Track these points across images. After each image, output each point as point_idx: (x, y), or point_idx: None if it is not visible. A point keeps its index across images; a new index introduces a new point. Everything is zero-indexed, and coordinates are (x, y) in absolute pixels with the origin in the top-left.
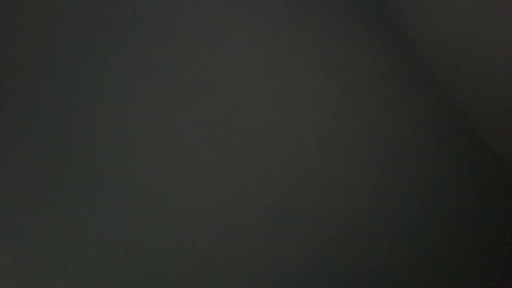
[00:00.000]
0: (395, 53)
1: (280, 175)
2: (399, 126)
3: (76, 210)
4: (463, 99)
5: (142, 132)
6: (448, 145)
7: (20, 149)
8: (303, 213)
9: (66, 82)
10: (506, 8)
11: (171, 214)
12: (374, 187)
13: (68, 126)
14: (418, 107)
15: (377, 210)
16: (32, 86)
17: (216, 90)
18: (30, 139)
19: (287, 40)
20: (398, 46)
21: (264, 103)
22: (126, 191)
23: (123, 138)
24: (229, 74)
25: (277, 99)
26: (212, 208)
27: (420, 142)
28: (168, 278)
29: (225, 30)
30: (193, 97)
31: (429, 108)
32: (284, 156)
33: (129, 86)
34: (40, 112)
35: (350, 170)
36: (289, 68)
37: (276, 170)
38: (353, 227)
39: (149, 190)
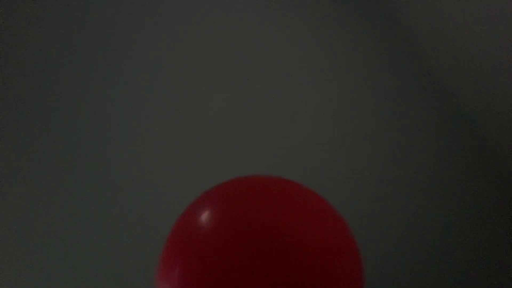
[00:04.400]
0: (399, 56)
1: (284, 175)
2: (402, 127)
3: (74, 212)
4: (467, 102)
5: (146, 135)
6: (449, 145)
7: (20, 149)
8: None
9: (65, 82)
10: (507, 8)
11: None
12: (376, 184)
13: (66, 126)
14: (420, 109)
15: (378, 209)
16: (32, 86)
17: (216, 92)
18: (29, 139)
19: (291, 41)
20: (403, 49)
21: (266, 105)
22: (127, 193)
23: (124, 140)
24: (230, 76)
25: (279, 100)
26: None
27: (422, 143)
28: None
29: (227, 32)
30: (196, 98)
31: (431, 109)
32: (285, 157)
33: (133, 86)
34: (39, 112)
35: (352, 170)
36: (291, 70)
37: (279, 171)
38: (355, 227)
39: (153, 194)
